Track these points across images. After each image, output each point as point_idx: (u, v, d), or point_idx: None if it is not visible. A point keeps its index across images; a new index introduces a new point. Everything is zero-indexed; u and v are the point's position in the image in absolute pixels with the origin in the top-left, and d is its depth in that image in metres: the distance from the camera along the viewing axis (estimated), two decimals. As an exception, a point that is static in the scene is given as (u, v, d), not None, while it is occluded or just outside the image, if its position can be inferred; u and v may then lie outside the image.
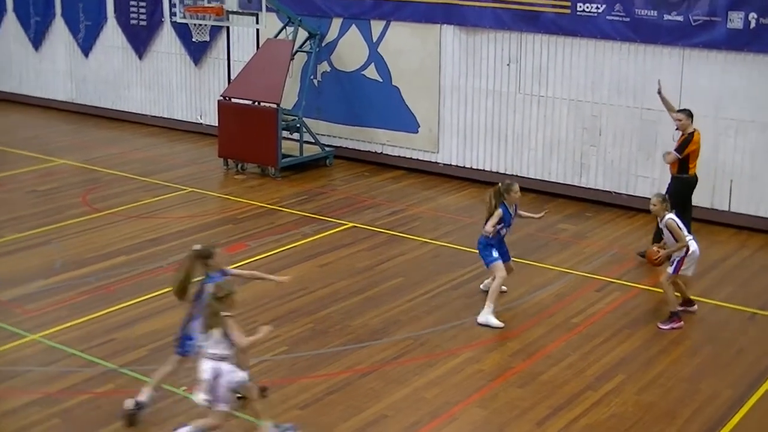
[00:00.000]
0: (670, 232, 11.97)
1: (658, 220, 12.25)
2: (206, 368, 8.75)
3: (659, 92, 14.63)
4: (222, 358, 8.72)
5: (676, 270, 11.99)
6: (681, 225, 12.01)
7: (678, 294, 12.23)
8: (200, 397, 8.90)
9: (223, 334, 8.68)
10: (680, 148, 13.82)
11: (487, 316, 12.07)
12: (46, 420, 9.71)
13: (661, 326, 11.96)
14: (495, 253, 12.27)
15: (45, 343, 11.46)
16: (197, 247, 9.57)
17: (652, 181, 15.92)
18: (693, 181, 14.06)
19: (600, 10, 16.51)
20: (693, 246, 12.02)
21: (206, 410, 8.87)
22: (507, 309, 12.45)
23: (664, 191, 13.25)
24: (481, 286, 12.93)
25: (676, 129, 14.01)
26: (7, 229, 15.46)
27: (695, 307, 12.39)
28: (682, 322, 11.97)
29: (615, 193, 16.69)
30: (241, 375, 8.85)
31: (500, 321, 11.98)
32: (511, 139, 17.98)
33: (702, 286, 13.18)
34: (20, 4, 25.42)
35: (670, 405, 10.08)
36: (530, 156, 17.82)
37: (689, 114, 13.94)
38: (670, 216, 12.01)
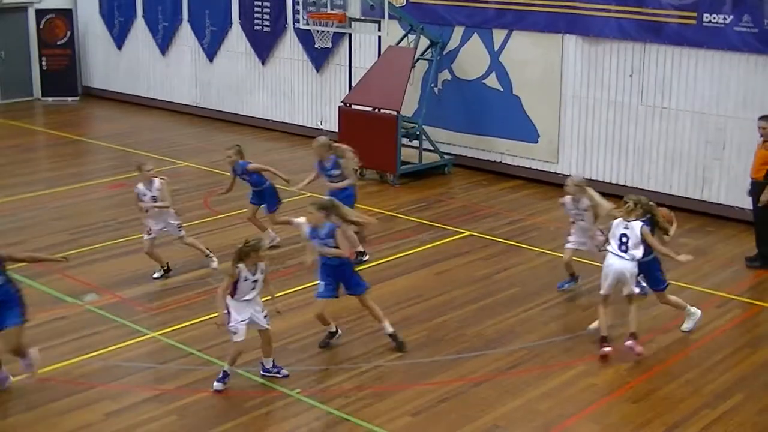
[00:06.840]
0: None
1: None
2: None
3: None
4: None
5: None
6: None
7: None
8: None
9: None
10: None
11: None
12: (164, 416, 9.94)
13: None
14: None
15: (164, 341, 11.72)
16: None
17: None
18: None
19: (727, 21, 16.17)
20: None
21: None
22: (622, 324, 12.28)
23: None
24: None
25: (761, 137, 14.04)
26: (132, 229, 15.80)
27: None
28: None
29: (738, 208, 16.29)
30: None
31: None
32: (632, 151, 17.75)
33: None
34: (149, 9, 26.10)
35: (792, 427, 9.84)
36: (651, 168, 17.55)
37: None
38: None
